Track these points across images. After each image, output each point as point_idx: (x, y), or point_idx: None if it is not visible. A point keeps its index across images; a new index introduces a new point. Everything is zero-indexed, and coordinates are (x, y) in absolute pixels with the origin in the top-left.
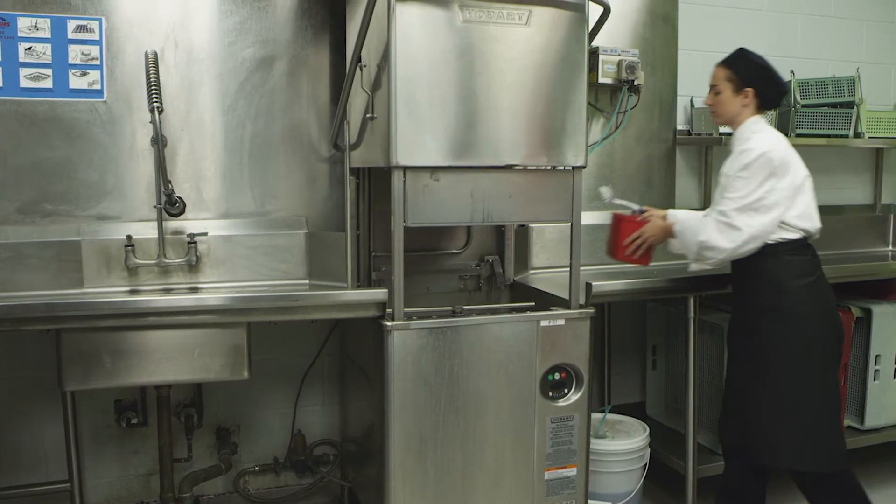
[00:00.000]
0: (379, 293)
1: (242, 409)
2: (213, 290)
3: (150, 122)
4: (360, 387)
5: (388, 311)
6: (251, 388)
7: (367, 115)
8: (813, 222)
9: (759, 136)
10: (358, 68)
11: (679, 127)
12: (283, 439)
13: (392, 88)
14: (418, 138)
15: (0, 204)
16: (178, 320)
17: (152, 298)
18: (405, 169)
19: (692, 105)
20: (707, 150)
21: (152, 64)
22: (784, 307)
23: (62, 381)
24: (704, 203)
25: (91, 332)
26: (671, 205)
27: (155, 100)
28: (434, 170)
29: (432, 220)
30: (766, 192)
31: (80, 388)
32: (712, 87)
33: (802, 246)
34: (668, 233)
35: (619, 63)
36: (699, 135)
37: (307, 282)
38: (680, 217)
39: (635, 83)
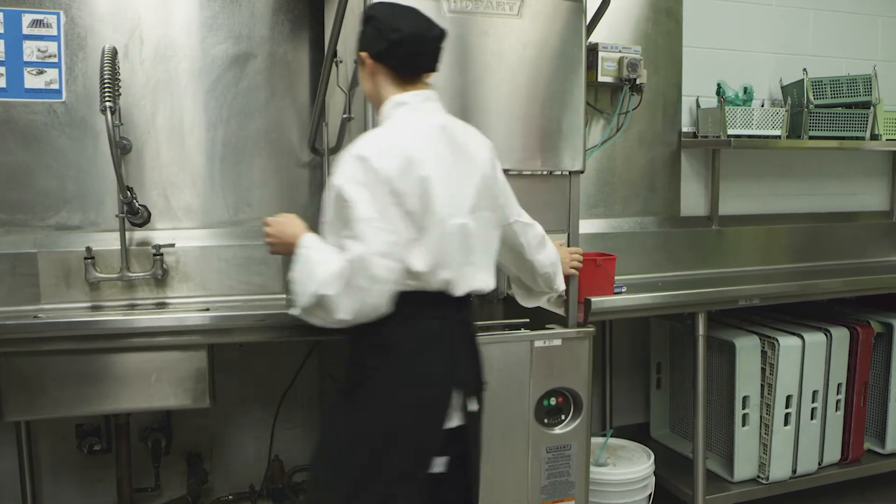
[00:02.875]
0: None
1: (215, 434)
2: (181, 306)
3: (115, 125)
4: None
5: None
6: (225, 410)
7: (344, 116)
8: None
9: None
10: (334, 65)
11: (684, 129)
12: (259, 465)
13: None
14: None
15: None
16: (131, 343)
17: (97, 319)
18: None
19: (698, 105)
20: (714, 153)
21: (108, 60)
22: None
23: (2, 411)
24: (711, 209)
25: (33, 357)
26: (676, 211)
27: (108, 99)
28: None
29: None
30: None
31: (22, 419)
32: None
33: None
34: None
35: (620, 60)
36: (706, 137)
37: (284, 296)
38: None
39: (637, 82)
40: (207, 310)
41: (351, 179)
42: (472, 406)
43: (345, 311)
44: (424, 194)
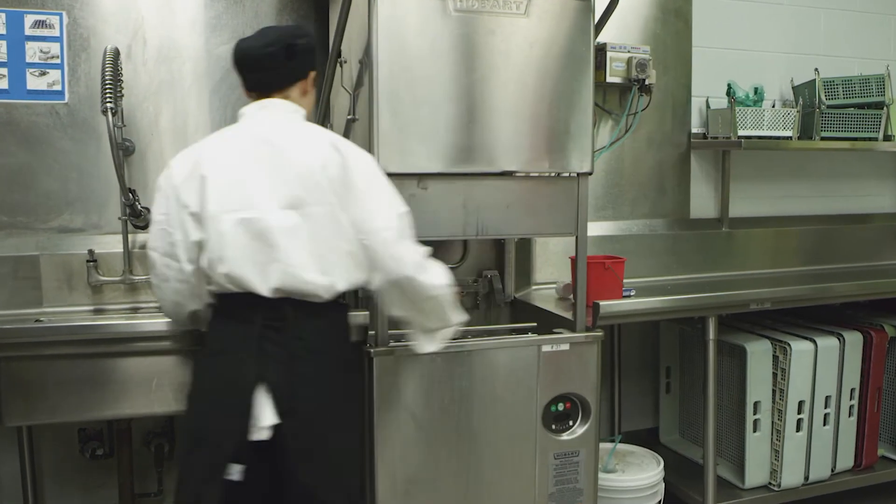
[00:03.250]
0: (360, 315)
1: None
2: None
3: (117, 126)
4: None
5: (371, 333)
6: None
7: (349, 117)
8: None
9: None
10: (338, 64)
11: (694, 130)
12: None
13: (374, 86)
14: (403, 142)
15: None
16: (133, 347)
17: (97, 323)
18: (388, 176)
19: (708, 106)
20: (725, 154)
21: (109, 60)
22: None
23: (1, 415)
24: (721, 211)
25: (34, 361)
26: (686, 213)
27: (108, 100)
28: (421, 177)
29: (420, 234)
30: None
31: (22, 424)
32: None
33: None
34: None
35: (629, 61)
36: (716, 138)
37: None
38: None
39: (646, 82)
40: None
41: (157, 187)
42: (268, 419)
43: (161, 306)
44: (202, 193)
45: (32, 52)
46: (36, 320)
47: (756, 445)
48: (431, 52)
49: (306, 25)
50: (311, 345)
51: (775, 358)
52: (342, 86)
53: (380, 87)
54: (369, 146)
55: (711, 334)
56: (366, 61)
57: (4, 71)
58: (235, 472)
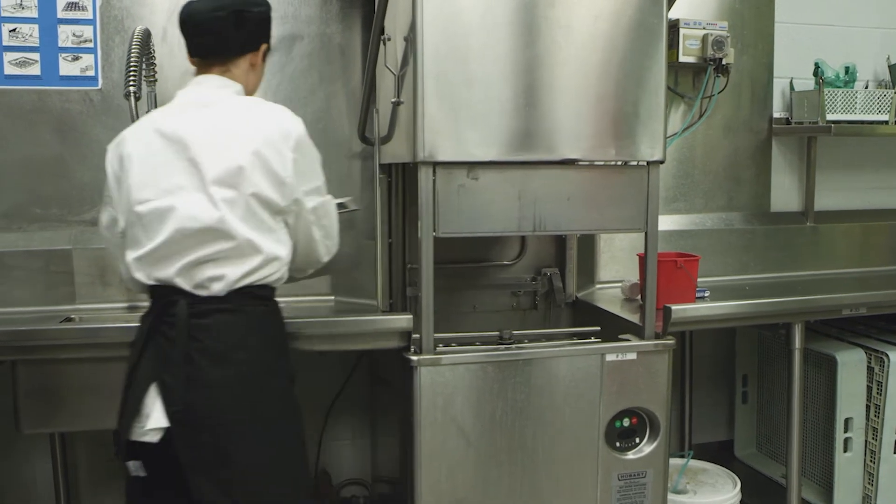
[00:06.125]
0: (402, 320)
1: None
2: None
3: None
4: (393, 417)
5: (415, 336)
6: None
7: (393, 100)
8: None
9: None
10: (381, 43)
11: (776, 114)
12: None
13: (419, 65)
14: (452, 127)
15: None
16: None
17: (106, 326)
18: (435, 165)
19: (792, 88)
20: (810, 141)
21: (137, 42)
22: None
23: (18, 422)
24: (806, 204)
25: (52, 365)
26: (766, 206)
27: (132, 83)
28: (472, 166)
29: (469, 229)
30: None
31: (40, 431)
32: None
33: None
34: None
35: (704, 38)
36: (801, 123)
37: (332, 298)
38: None
39: (723, 62)
40: None
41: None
42: (157, 421)
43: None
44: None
45: (65, 35)
46: (65, 318)
47: (847, 467)
48: (483, 27)
49: None
50: (209, 346)
51: (870, 369)
52: (386, 66)
53: (426, 67)
54: (414, 131)
55: (797, 343)
56: (411, 38)
57: (37, 56)
58: (136, 468)
